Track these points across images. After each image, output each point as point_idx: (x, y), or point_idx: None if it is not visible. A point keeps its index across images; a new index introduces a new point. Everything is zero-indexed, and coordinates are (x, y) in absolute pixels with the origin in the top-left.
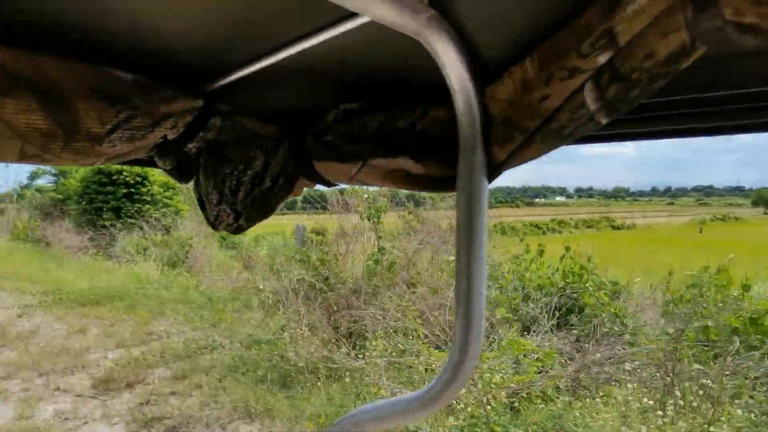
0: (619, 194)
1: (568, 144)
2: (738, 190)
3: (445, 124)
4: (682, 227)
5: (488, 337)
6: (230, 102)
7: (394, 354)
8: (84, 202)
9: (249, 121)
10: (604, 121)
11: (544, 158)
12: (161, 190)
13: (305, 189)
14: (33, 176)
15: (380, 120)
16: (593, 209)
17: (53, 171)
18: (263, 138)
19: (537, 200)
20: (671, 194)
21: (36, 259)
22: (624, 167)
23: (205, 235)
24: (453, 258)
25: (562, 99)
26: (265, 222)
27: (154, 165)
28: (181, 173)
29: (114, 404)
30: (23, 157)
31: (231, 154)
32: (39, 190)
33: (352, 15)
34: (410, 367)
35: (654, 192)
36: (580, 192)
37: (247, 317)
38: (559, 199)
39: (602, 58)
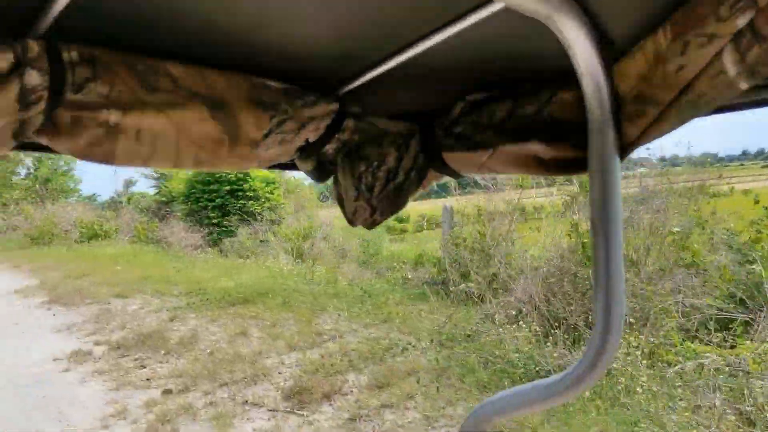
0: (707, 160)
1: (704, 115)
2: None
3: (574, 106)
4: None
5: None
6: (361, 103)
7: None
8: (190, 202)
9: (379, 121)
10: (744, 86)
11: None
12: (262, 185)
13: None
14: (129, 184)
15: (508, 107)
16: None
17: (155, 175)
18: (394, 134)
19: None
20: (765, 157)
21: (162, 259)
22: (711, 131)
23: (328, 224)
24: (676, 229)
25: (699, 67)
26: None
27: (295, 168)
28: (320, 174)
29: (320, 420)
30: (197, 164)
31: (365, 152)
32: (142, 195)
33: (480, 6)
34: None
35: (745, 155)
36: (664, 162)
37: (416, 310)
38: (642, 170)
39: (742, 21)
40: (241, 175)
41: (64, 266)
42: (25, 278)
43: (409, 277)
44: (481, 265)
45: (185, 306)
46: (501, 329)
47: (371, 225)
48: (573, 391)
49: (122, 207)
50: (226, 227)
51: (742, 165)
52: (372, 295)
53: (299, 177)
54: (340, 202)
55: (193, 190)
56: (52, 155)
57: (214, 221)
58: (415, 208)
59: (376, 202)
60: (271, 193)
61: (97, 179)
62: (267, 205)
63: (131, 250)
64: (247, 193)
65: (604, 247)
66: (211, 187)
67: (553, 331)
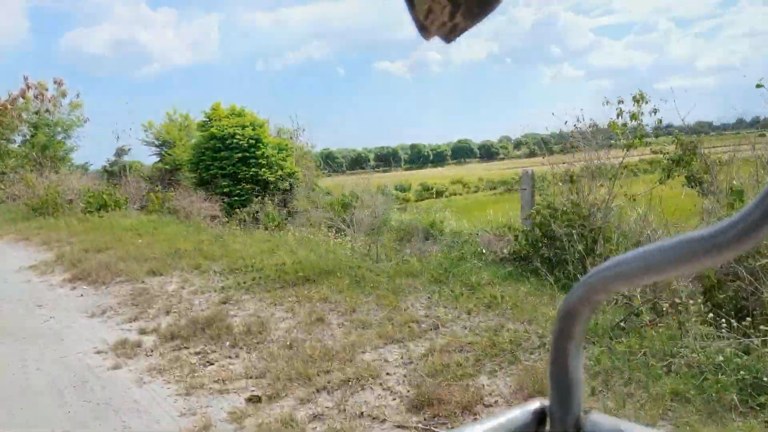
0: (702, 129)
1: None
2: None
3: None
4: None
5: None
6: None
7: None
8: (200, 170)
9: None
10: None
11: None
12: (274, 152)
13: None
14: (121, 152)
15: None
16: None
17: (156, 142)
18: None
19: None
20: (762, 124)
21: (186, 231)
22: (707, 99)
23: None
24: None
25: None
26: None
27: None
28: None
29: None
30: None
31: None
32: (141, 164)
33: None
34: None
35: (740, 123)
36: (658, 131)
37: (519, 293)
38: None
39: None
40: (252, 141)
41: (78, 238)
42: (38, 252)
43: (484, 252)
44: (582, 239)
45: (236, 286)
46: (661, 320)
47: (451, 33)
48: (741, 244)
49: (124, 175)
50: (239, 196)
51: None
52: (455, 273)
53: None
54: (409, 1)
55: (202, 158)
56: (48, 121)
57: (226, 190)
58: (408, 178)
59: None
60: (284, 160)
61: (86, 147)
62: (280, 173)
63: (148, 220)
64: (260, 161)
65: None
66: (222, 153)
67: (732, 322)
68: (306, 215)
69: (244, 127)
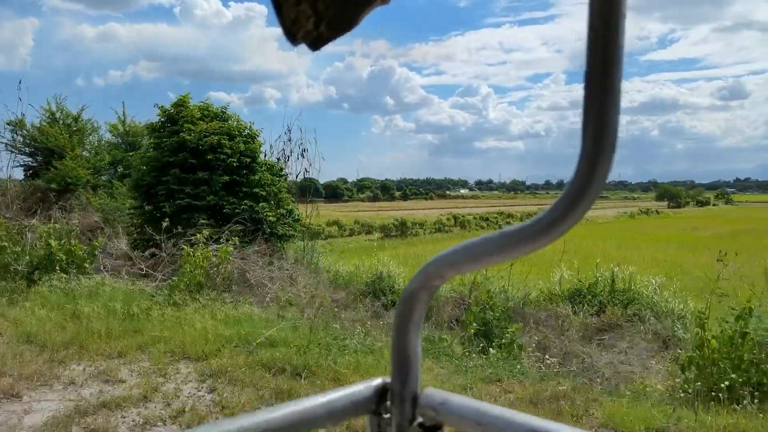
0: (518, 187)
1: None
2: (622, 185)
3: None
4: (625, 221)
5: None
6: None
7: None
8: (156, 197)
9: None
10: None
11: (443, 151)
12: (271, 177)
13: None
14: None
15: None
16: (499, 201)
17: (26, 150)
18: None
19: (448, 192)
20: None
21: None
22: (518, 161)
23: None
24: None
25: None
26: None
27: None
28: None
29: None
30: None
31: None
32: None
33: None
34: None
35: (548, 185)
36: (480, 185)
37: None
38: (463, 191)
39: None
40: (246, 160)
41: None
42: None
43: None
44: None
45: None
46: None
47: (316, 41)
48: (547, 237)
49: None
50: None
51: (547, 193)
52: None
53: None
54: (278, 9)
55: (160, 178)
56: None
57: (205, 232)
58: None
59: (323, 7)
60: (280, 191)
61: None
62: (281, 211)
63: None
64: (254, 189)
65: None
66: (198, 174)
67: None
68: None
69: (231, 137)
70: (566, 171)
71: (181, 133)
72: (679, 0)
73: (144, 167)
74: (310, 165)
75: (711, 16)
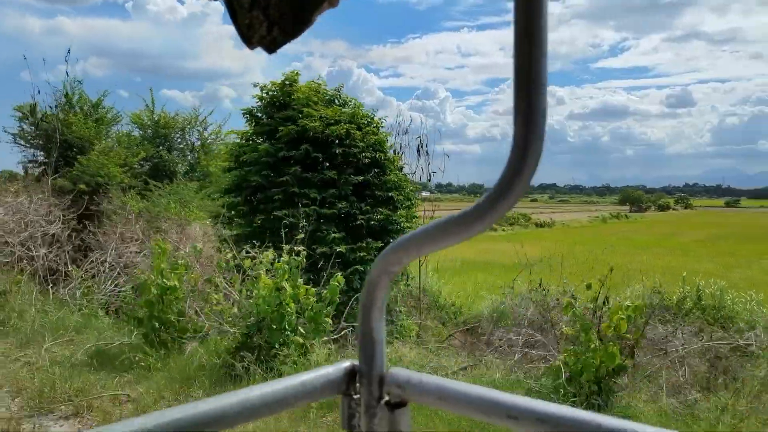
0: (477, 190)
1: None
2: (578, 189)
3: None
4: (599, 225)
5: None
6: None
7: None
8: (270, 202)
9: None
10: None
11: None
12: (403, 176)
13: None
14: None
15: None
16: (462, 204)
17: (38, 141)
18: None
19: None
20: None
21: None
22: (475, 164)
23: None
24: None
25: None
26: None
27: None
28: None
29: None
30: None
31: None
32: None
33: None
34: None
35: None
36: (440, 188)
37: None
38: (424, 194)
39: None
40: (378, 153)
41: None
42: None
43: None
44: None
45: None
46: None
47: (271, 45)
48: (485, 221)
49: None
50: (360, 263)
51: None
52: None
53: None
54: (232, 14)
55: (252, 179)
56: None
57: (340, 248)
58: None
59: (275, 12)
60: (411, 194)
61: None
62: (410, 213)
63: None
64: (390, 193)
65: None
66: (323, 174)
67: None
68: None
69: (359, 127)
70: None
71: (299, 120)
72: (633, 9)
73: (252, 165)
74: (428, 164)
75: (662, 25)
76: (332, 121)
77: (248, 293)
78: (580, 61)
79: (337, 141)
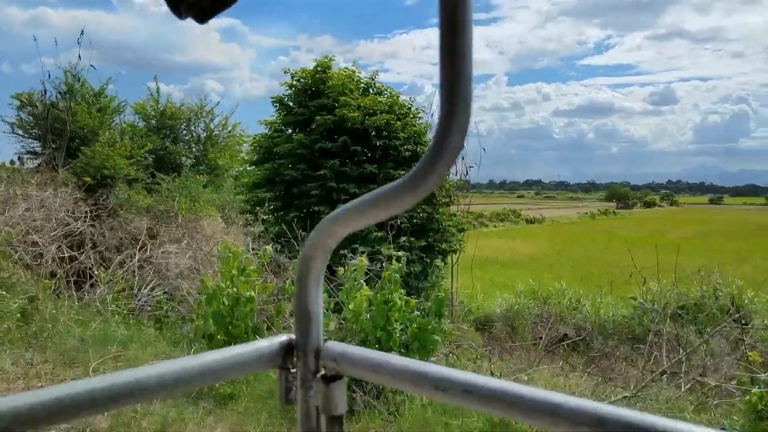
0: (463, 186)
1: None
2: (563, 185)
3: None
4: (589, 222)
5: None
6: None
7: None
8: (300, 198)
9: None
10: None
11: None
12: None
13: None
14: None
15: None
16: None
17: (36, 131)
18: None
19: None
20: (508, 187)
21: None
22: (460, 160)
23: None
24: None
25: None
26: None
27: None
28: None
29: None
30: None
31: None
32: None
33: None
34: None
35: (492, 185)
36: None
37: None
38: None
39: None
40: (416, 145)
41: None
42: None
43: None
44: None
45: None
46: None
47: (201, 14)
48: (420, 190)
49: None
50: (415, 261)
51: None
52: None
53: None
54: None
55: (286, 173)
56: None
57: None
58: None
59: None
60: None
61: None
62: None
63: None
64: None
65: None
66: (363, 168)
67: None
68: None
69: (398, 117)
70: (508, 171)
71: (336, 110)
72: (618, 7)
73: (285, 156)
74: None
75: (646, 24)
76: (371, 111)
77: (336, 305)
78: (566, 58)
79: (374, 133)
